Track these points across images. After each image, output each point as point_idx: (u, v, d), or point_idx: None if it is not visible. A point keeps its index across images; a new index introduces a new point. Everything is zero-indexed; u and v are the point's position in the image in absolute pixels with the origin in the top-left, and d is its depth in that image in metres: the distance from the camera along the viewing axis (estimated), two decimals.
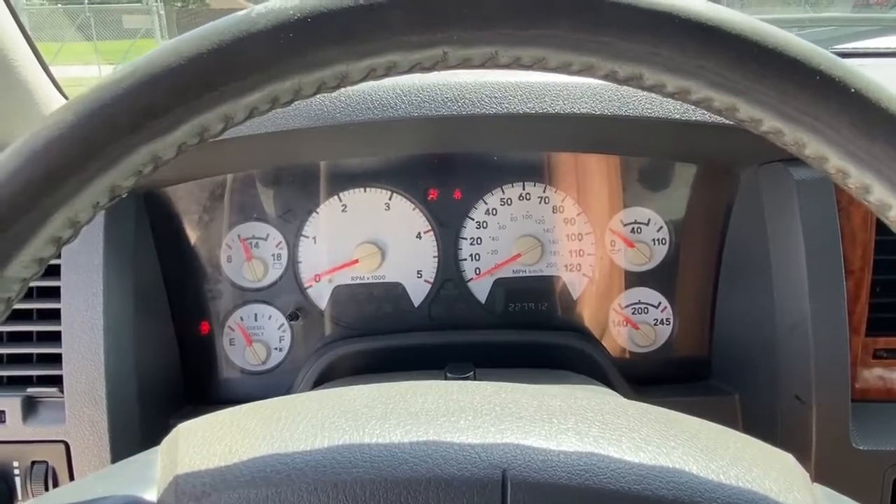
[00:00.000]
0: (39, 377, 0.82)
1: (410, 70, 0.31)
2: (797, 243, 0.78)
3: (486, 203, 0.93)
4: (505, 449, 0.34)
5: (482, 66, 0.31)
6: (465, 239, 0.94)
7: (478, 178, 0.93)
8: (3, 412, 0.81)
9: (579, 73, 0.31)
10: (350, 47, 0.29)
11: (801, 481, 0.35)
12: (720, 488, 0.33)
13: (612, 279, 0.95)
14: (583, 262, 0.94)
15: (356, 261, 0.92)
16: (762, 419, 0.85)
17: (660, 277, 0.94)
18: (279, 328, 0.94)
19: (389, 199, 0.93)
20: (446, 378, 0.77)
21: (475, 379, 0.76)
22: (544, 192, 0.93)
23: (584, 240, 0.94)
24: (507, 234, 0.93)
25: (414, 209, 0.93)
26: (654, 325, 0.95)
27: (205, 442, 0.36)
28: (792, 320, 0.79)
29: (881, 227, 0.80)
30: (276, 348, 0.95)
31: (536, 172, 0.93)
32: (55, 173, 0.28)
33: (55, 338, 0.80)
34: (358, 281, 0.94)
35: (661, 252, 0.94)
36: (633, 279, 0.94)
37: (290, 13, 0.28)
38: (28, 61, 0.89)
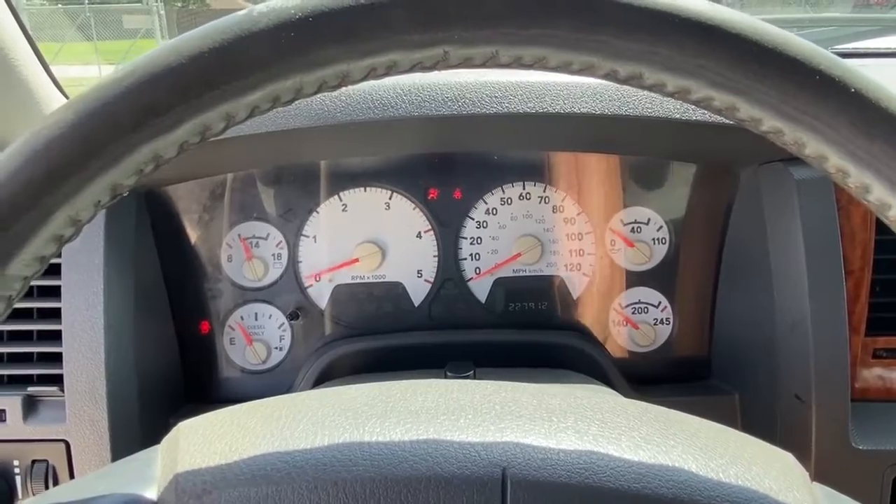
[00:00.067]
0: (40, 376, 0.82)
1: (411, 69, 0.31)
2: (797, 243, 0.78)
3: (486, 203, 0.93)
4: (505, 447, 0.34)
5: (483, 65, 0.31)
6: (466, 238, 0.94)
7: (478, 178, 0.93)
8: (3, 411, 0.81)
9: (580, 72, 0.31)
10: (351, 46, 0.29)
11: (801, 480, 0.35)
12: (719, 487, 0.33)
13: (612, 279, 0.95)
14: (583, 261, 0.94)
15: (356, 260, 0.92)
16: (762, 419, 0.85)
17: (660, 277, 0.94)
18: (279, 327, 0.94)
19: (390, 198, 0.93)
20: (446, 377, 0.77)
21: (475, 378, 0.76)
22: (544, 191, 0.93)
23: (584, 239, 0.94)
24: (508, 234, 0.93)
25: (414, 209, 0.93)
26: (654, 324, 0.95)
27: (205, 440, 0.36)
28: (792, 320, 0.79)
29: (881, 226, 0.80)
30: (276, 348, 0.95)
31: (536, 172, 0.93)
32: (56, 172, 0.28)
33: (56, 337, 0.80)
34: (358, 280, 0.94)
35: (661, 252, 0.94)
36: (633, 279, 0.95)
37: (292, 12, 0.28)
38: (29, 61, 0.90)
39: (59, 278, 0.79)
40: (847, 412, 0.77)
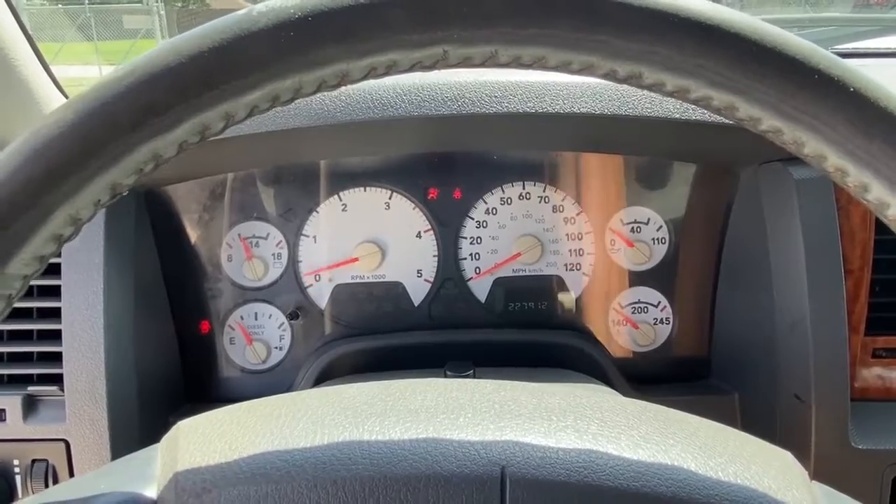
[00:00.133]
0: (40, 375, 0.82)
1: (411, 69, 0.31)
2: (797, 242, 0.78)
3: (485, 202, 0.93)
4: (504, 446, 0.34)
5: (482, 64, 0.31)
6: (465, 238, 0.94)
7: (478, 178, 0.93)
8: (3, 410, 0.81)
9: (579, 71, 0.31)
10: (350, 46, 0.29)
11: (800, 479, 0.35)
12: (718, 485, 0.33)
13: (611, 278, 0.95)
14: (582, 261, 0.94)
15: (356, 259, 0.92)
16: (761, 418, 0.85)
17: (659, 277, 0.94)
18: (279, 327, 0.94)
19: (389, 198, 0.93)
20: (446, 377, 0.77)
21: (475, 378, 0.76)
22: (544, 191, 0.93)
23: (583, 239, 0.94)
24: (507, 234, 0.94)
25: (414, 208, 0.93)
26: (654, 324, 0.95)
27: (205, 439, 0.36)
28: (791, 319, 0.79)
29: (880, 226, 0.80)
30: (276, 347, 0.95)
31: (536, 172, 0.93)
32: (56, 171, 0.28)
33: (56, 336, 0.80)
34: (358, 280, 0.94)
35: (661, 251, 0.94)
36: (633, 278, 0.95)
37: (291, 12, 0.28)
38: (29, 61, 0.90)
39: (59, 278, 0.79)
40: (846, 412, 0.77)
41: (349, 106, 0.76)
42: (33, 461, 0.81)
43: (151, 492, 0.34)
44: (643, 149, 0.90)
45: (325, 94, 0.76)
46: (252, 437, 0.35)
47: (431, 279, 0.94)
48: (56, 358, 0.80)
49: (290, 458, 0.33)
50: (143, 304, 0.84)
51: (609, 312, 0.95)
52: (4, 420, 0.81)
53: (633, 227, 0.94)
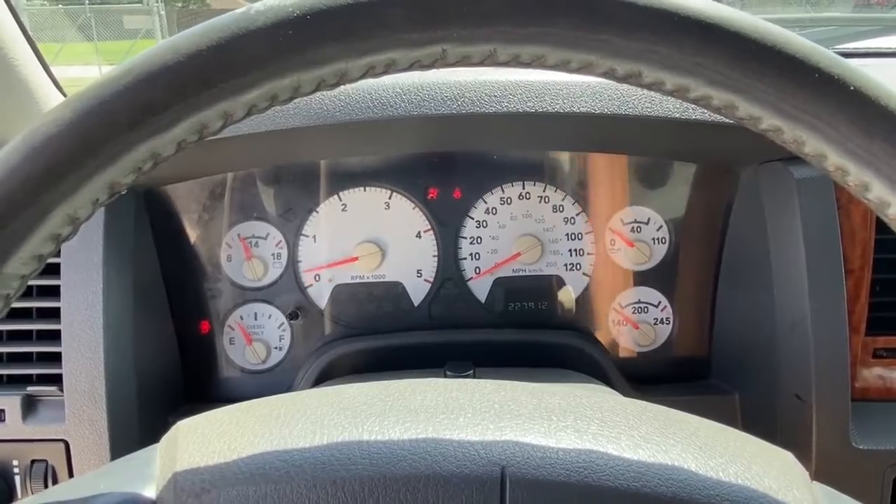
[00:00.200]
0: (39, 376, 0.82)
1: (410, 68, 0.31)
2: (797, 242, 0.78)
3: (485, 202, 0.93)
4: (504, 446, 0.33)
5: (481, 63, 0.31)
6: (465, 238, 0.94)
7: (478, 177, 0.93)
8: (2, 411, 0.81)
9: (578, 70, 0.31)
10: (349, 45, 0.29)
11: (801, 479, 0.35)
12: (719, 486, 0.33)
13: (611, 278, 0.95)
14: (582, 261, 0.94)
15: (356, 258, 0.92)
16: (762, 418, 0.85)
17: (660, 276, 0.94)
18: (279, 327, 0.94)
19: (389, 198, 0.93)
20: (446, 377, 0.77)
21: (475, 378, 0.76)
22: (544, 191, 0.93)
23: (583, 239, 0.94)
24: (507, 234, 0.93)
25: (414, 208, 0.93)
26: (654, 324, 0.95)
27: (204, 439, 0.35)
28: (792, 319, 0.79)
29: (881, 225, 0.80)
30: (275, 347, 0.95)
31: (536, 171, 0.93)
32: (54, 170, 0.28)
33: (55, 336, 0.80)
34: (358, 280, 0.94)
35: (661, 251, 0.94)
36: (633, 278, 0.94)
37: (290, 10, 0.28)
38: (28, 61, 0.89)
39: (59, 278, 0.79)
40: (847, 412, 0.77)
41: (349, 105, 0.76)
42: (33, 461, 0.81)
43: (150, 492, 0.34)
44: (643, 148, 0.90)
45: (325, 93, 0.76)
46: (251, 437, 0.35)
47: (431, 279, 0.94)
48: (55, 358, 0.80)
49: (290, 458, 0.33)
50: (143, 304, 0.84)
51: (609, 312, 0.95)
52: (4, 420, 0.81)
53: (633, 227, 0.94)
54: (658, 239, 0.94)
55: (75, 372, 0.78)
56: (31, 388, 0.81)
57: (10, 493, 0.82)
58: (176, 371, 0.92)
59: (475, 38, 0.29)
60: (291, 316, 0.94)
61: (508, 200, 0.93)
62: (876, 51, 1.26)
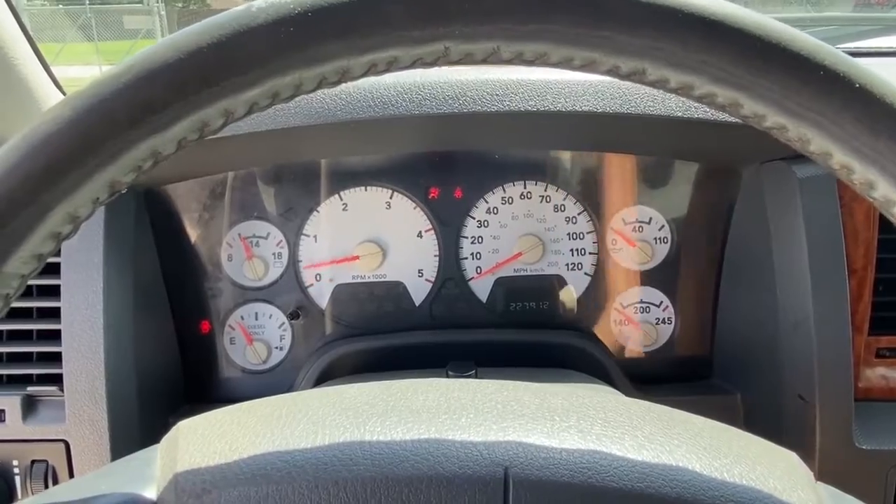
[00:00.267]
0: (39, 376, 0.82)
1: (412, 65, 0.30)
2: (800, 241, 0.77)
3: (487, 202, 0.93)
4: (507, 447, 0.33)
5: (484, 61, 0.31)
6: (467, 238, 0.94)
7: (479, 177, 0.92)
8: (2, 411, 0.80)
9: (581, 68, 0.31)
10: (351, 42, 0.29)
11: (806, 480, 0.34)
12: (724, 486, 0.32)
13: (613, 278, 0.94)
14: (584, 260, 0.94)
15: (356, 257, 0.92)
16: (764, 418, 0.85)
17: (661, 276, 0.94)
18: (280, 327, 0.94)
19: (390, 197, 0.92)
20: (448, 377, 0.76)
21: (477, 378, 0.76)
22: (545, 190, 0.93)
23: (585, 239, 0.94)
24: (509, 233, 0.93)
25: (415, 208, 0.93)
26: (656, 324, 0.95)
27: (205, 439, 0.35)
28: (794, 319, 0.79)
29: (884, 225, 0.79)
30: (276, 347, 0.94)
31: (538, 171, 0.92)
32: (54, 168, 0.28)
33: (55, 336, 0.79)
34: (359, 280, 0.94)
35: (663, 251, 0.94)
36: (635, 278, 0.94)
37: (291, 7, 0.28)
38: (29, 60, 0.89)
39: (59, 277, 0.79)
40: (850, 412, 0.76)
41: (350, 104, 0.76)
42: (33, 462, 0.81)
43: (151, 493, 0.34)
44: (645, 147, 0.90)
45: (326, 92, 0.76)
46: (252, 437, 0.35)
47: (432, 279, 0.94)
48: (56, 358, 0.79)
49: (291, 458, 0.33)
50: (143, 304, 0.84)
51: (611, 312, 0.95)
52: (4, 420, 0.80)
53: (635, 227, 0.93)
54: (660, 238, 0.93)
55: (76, 372, 0.78)
56: (31, 388, 0.81)
57: (11, 493, 0.82)
58: (176, 371, 0.92)
59: (478, 36, 0.29)
60: (292, 316, 0.94)
61: (510, 200, 0.93)
62: (876, 50, 1.26)
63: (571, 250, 0.94)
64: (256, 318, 0.94)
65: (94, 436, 0.78)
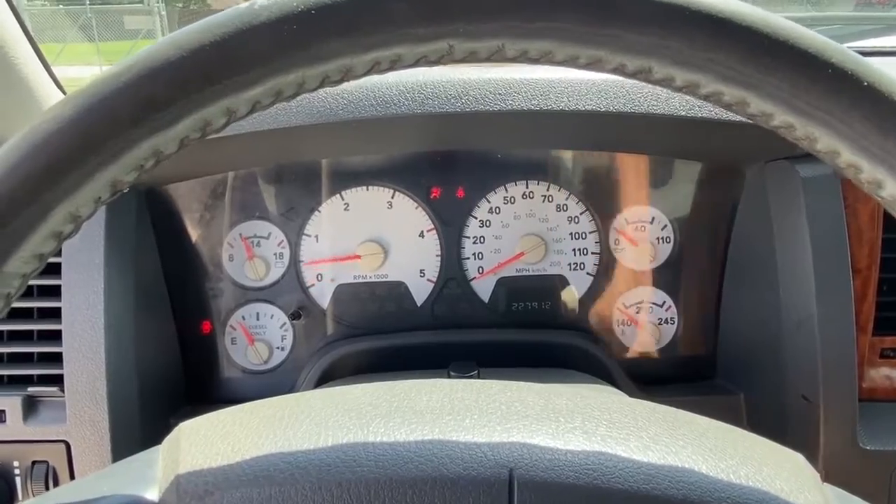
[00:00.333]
0: (40, 376, 0.82)
1: (416, 63, 0.30)
2: (803, 241, 0.77)
3: (489, 201, 0.93)
4: (511, 448, 0.33)
5: (488, 59, 0.30)
6: (468, 237, 0.93)
7: (481, 177, 0.92)
8: (3, 412, 0.80)
9: (587, 66, 0.30)
10: (354, 40, 0.28)
11: (812, 481, 0.34)
12: (730, 488, 0.32)
13: (616, 278, 0.94)
14: (586, 260, 0.94)
15: (358, 256, 0.92)
16: (768, 419, 0.85)
17: (664, 276, 0.94)
18: (281, 327, 0.94)
19: (392, 197, 0.92)
20: (450, 377, 0.76)
21: (479, 378, 0.76)
22: (548, 190, 0.93)
23: (587, 238, 0.93)
24: (511, 233, 0.93)
25: (417, 208, 0.92)
26: (659, 324, 0.94)
27: (207, 441, 0.35)
28: (798, 319, 0.79)
29: (888, 224, 0.79)
30: (278, 347, 0.94)
31: (540, 170, 0.92)
32: (55, 167, 0.27)
33: (56, 337, 0.79)
34: (360, 280, 0.93)
35: (666, 251, 0.94)
36: (638, 278, 0.94)
37: (294, 5, 0.28)
38: (29, 60, 0.89)
39: (60, 277, 0.79)
40: (855, 412, 0.76)
41: (351, 104, 0.76)
42: (33, 463, 0.81)
43: (153, 494, 0.33)
44: (648, 147, 0.90)
45: (327, 91, 0.76)
46: (255, 438, 0.34)
47: (434, 279, 0.94)
48: (56, 358, 0.79)
49: (294, 459, 0.33)
50: (144, 304, 0.84)
51: (613, 312, 0.95)
52: (4, 421, 0.80)
53: (637, 227, 0.93)
54: (663, 238, 0.93)
55: (76, 372, 0.78)
56: (31, 389, 0.81)
57: (11, 494, 0.82)
58: (177, 371, 0.92)
59: (482, 34, 0.29)
60: (293, 316, 0.93)
61: (512, 200, 0.93)
62: (877, 50, 1.25)
63: (574, 250, 0.93)
64: (258, 319, 0.94)
65: (95, 436, 0.78)
